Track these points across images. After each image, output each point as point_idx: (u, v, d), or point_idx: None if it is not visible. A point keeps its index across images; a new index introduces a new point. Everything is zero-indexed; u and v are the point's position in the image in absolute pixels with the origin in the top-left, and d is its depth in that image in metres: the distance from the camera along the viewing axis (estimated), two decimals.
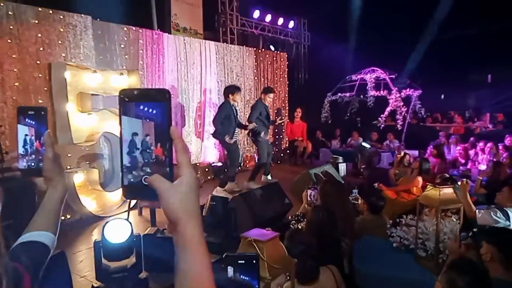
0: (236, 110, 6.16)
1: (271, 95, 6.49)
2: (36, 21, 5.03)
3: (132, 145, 0.66)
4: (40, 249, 0.96)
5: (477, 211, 3.57)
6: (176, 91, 7.36)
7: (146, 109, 0.65)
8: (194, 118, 7.83)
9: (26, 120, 1.05)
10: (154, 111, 0.65)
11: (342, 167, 7.66)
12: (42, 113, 1.06)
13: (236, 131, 6.13)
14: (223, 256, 1.75)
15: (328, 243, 2.72)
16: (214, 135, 6.28)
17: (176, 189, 0.65)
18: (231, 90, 6.11)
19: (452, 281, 1.81)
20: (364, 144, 8.57)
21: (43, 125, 1.05)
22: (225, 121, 5.93)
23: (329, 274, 2.37)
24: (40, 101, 5.04)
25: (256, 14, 10.96)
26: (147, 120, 0.65)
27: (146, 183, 0.65)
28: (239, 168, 6.48)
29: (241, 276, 1.68)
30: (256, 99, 8.41)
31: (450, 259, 2.59)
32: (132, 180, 0.66)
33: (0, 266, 0.62)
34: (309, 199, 3.83)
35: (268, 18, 11.28)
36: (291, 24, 12.28)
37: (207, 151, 8.02)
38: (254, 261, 1.61)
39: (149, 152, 0.66)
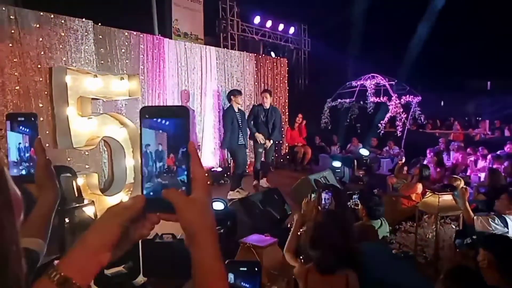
0: (239, 114, 6.42)
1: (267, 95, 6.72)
2: (38, 25, 5.06)
3: (150, 157, 0.70)
4: (28, 255, 0.93)
5: (475, 217, 3.58)
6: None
7: (166, 123, 0.69)
8: (194, 123, 7.84)
9: (16, 126, 1.03)
10: (174, 127, 0.69)
11: (342, 173, 7.67)
12: (32, 119, 1.04)
13: (241, 135, 6.37)
14: (225, 262, 1.75)
15: (337, 250, 2.70)
16: (222, 145, 6.51)
17: (192, 203, 0.66)
18: (232, 93, 6.49)
19: None
20: (362, 151, 8.57)
21: (34, 131, 1.03)
22: (232, 127, 6.27)
23: (342, 279, 2.33)
24: (41, 105, 5.06)
25: (257, 20, 11.01)
26: (167, 133, 0.69)
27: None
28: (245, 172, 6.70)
29: (242, 283, 1.67)
30: (255, 104, 8.45)
31: (446, 267, 2.58)
32: (151, 193, 0.69)
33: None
34: (323, 202, 3.76)
35: (269, 24, 11.34)
36: (292, 30, 12.34)
37: (207, 156, 8.03)
38: (256, 269, 1.61)
39: (168, 165, 0.69)
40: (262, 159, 6.81)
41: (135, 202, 0.69)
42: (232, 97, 6.41)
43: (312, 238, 2.41)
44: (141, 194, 0.69)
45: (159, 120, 0.69)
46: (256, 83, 9.30)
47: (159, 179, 0.69)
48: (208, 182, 0.70)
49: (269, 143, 6.64)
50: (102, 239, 0.66)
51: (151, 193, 0.69)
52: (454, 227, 3.56)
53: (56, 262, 0.68)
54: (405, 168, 6.25)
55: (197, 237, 0.67)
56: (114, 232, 0.66)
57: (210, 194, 0.70)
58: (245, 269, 1.58)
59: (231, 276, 1.59)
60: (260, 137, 6.55)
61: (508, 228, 3.46)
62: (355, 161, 7.98)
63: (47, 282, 0.63)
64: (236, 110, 6.41)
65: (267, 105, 6.68)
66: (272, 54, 11.31)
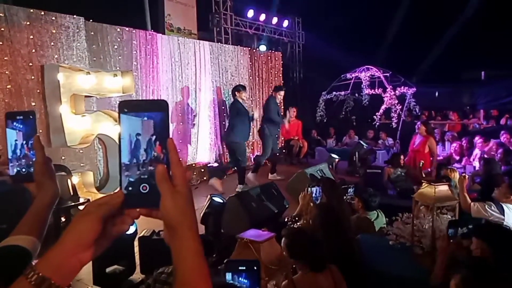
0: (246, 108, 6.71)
1: (282, 92, 7.18)
2: (28, 23, 4.99)
3: (129, 151, 0.68)
4: (18, 253, 0.93)
5: (472, 203, 3.61)
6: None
7: (146, 118, 0.68)
8: (190, 119, 7.80)
9: (14, 124, 1.03)
10: (154, 121, 0.68)
11: (338, 166, 7.67)
12: (31, 117, 1.04)
13: (247, 131, 6.68)
14: (224, 261, 1.75)
15: (336, 240, 2.72)
16: (230, 139, 6.77)
17: (178, 196, 0.66)
18: (237, 88, 6.73)
19: (466, 279, 1.80)
20: (362, 142, 8.59)
21: (32, 129, 1.03)
22: (238, 121, 6.50)
23: (327, 273, 2.36)
24: (33, 104, 5.00)
25: (250, 13, 10.94)
26: (147, 128, 0.68)
27: (145, 191, 0.67)
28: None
29: (241, 281, 1.66)
30: (251, 98, 8.44)
31: (439, 257, 2.58)
32: (130, 188, 0.68)
33: None
34: (314, 195, 3.78)
35: (263, 17, 11.27)
36: (286, 23, 12.28)
37: (202, 151, 8.01)
38: (255, 267, 1.60)
39: (147, 160, 0.68)
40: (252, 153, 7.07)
41: (112, 198, 0.68)
42: (236, 92, 6.65)
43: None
44: (119, 189, 0.68)
45: (138, 114, 0.68)
46: (250, 77, 9.26)
47: (139, 174, 0.68)
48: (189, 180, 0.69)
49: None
50: (79, 237, 0.65)
51: (130, 188, 0.68)
52: (450, 217, 3.58)
53: (34, 262, 0.67)
54: (402, 157, 6.32)
55: (179, 232, 0.66)
56: (91, 229, 0.65)
57: (191, 191, 0.69)
58: (244, 267, 1.57)
59: (228, 275, 1.59)
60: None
61: (504, 216, 3.48)
62: (357, 153, 7.97)
63: (25, 282, 0.61)
64: (242, 104, 6.64)
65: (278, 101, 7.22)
66: (261, 48, 11.10)
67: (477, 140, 7.37)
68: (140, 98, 6.61)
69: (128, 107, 0.68)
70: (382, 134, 9.76)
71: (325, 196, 3.58)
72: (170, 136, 0.69)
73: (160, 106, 0.68)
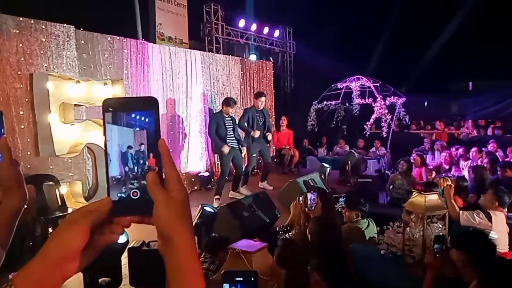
0: (229, 120, 6.60)
1: (263, 99, 6.98)
2: (17, 31, 4.94)
3: (115, 155, 0.63)
4: None
5: (460, 212, 3.64)
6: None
7: (133, 117, 0.62)
8: (180, 128, 7.77)
9: None
10: (141, 121, 0.62)
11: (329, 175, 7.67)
12: None
13: (229, 141, 6.48)
14: (222, 272, 1.73)
15: (331, 253, 2.71)
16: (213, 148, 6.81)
17: (173, 203, 0.61)
18: (226, 101, 6.64)
19: None
20: (353, 151, 8.63)
21: None
22: (218, 131, 6.44)
23: None
24: (21, 113, 4.94)
25: (242, 23, 11.02)
26: (135, 129, 0.62)
27: (135, 197, 0.61)
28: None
29: None
30: (242, 108, 8.45)
31: (428, 273, 2.57)
32: (120, 194, 0.62)
33: None
34: (309, 202, 3.75)
35: (254, 27, 11.35)
36: (277, 33, 12.39)
37: (193, 161, 7.96)
38: (252, 278, 1.59)
39: (136, 163, 0.63)
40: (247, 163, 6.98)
41: (100, 206, 0.62)
42: (224, 105, 6.59)
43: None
44: (107, 196, 0.63)
45: (124, 114, 0.61)
46: (242, 87, 9.29)
47: (128, 179, 0.63)
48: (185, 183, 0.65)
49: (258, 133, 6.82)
50: (63, 249, 0.59)
51: (119, 195, 0.62)
52: (440, 226, 3.60)
53: (12, 275, 0.62)
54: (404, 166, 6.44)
55: (176, 241, 0.60)
56: (76, 239, 0.59)
57: (187, 195, 0.64)
58: (241, 279, 1.56)
59: (226, 286, 1.57)
60: (257, 134, 6.77)
61: (492, 223, 3.52)
62: (349, 162, 7.98)
63: None
64: (226, 115, 6.57)
65: (260, 107, 6.98)
66: (251, 57, 11.08)
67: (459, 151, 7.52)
68: None
69: (114, 105, 0.62)
70: (377, 143, 9.83)
71: (320, 202, 3.56)
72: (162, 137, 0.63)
73: (149, 104, 0.62)
